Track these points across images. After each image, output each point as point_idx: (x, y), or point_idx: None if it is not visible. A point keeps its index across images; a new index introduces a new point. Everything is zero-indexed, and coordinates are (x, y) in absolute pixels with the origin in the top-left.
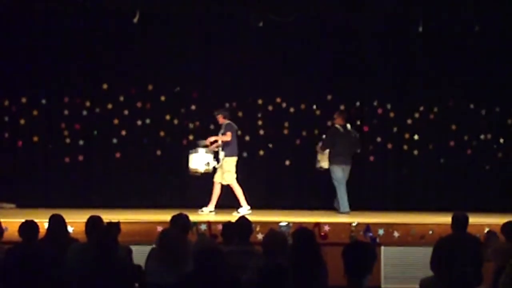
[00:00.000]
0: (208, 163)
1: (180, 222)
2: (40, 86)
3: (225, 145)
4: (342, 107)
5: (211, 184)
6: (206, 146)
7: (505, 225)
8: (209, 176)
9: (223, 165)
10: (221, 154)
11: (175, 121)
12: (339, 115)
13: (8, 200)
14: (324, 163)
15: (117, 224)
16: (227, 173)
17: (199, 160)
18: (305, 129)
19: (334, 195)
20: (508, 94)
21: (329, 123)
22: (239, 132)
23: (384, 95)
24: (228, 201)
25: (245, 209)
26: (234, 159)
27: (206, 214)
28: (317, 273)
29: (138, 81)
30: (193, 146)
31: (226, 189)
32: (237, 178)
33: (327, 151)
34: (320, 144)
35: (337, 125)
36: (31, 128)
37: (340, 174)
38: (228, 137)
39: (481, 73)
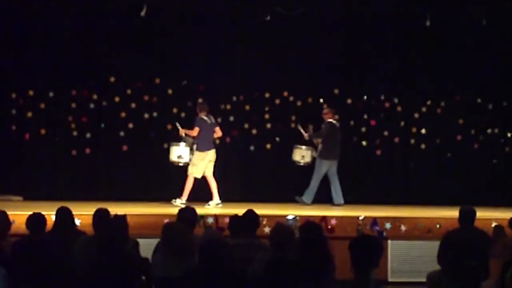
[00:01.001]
0: (180, 155)
1: (187, 216)
2: (48, 79)
3: (196, 139)
4: (349, 101)
5: (215, 177)
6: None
7: None
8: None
9: (192, 158)
10: (194, 147)
11: (182, 114)
12: (330, 111)
13: (15, 192)
14: (301, 157)
15: (123, 217)
16: (191, 165)
17: (175, 153)
18: (312, 123)
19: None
20: None
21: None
22: (246, 126)
23: (391, 89)
24: (235, 195)
25: (179, 202)
26: (201, 154)
27: (213, 207)
28: (324, 267)
29: (145, 74)
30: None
31: (235, 183)
32: (214, 173)
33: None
34: (313, 134)
35: (331, 120)
36: (38, 121)
37: (325, 169)
38: (193, 132)
39: (488, 68)
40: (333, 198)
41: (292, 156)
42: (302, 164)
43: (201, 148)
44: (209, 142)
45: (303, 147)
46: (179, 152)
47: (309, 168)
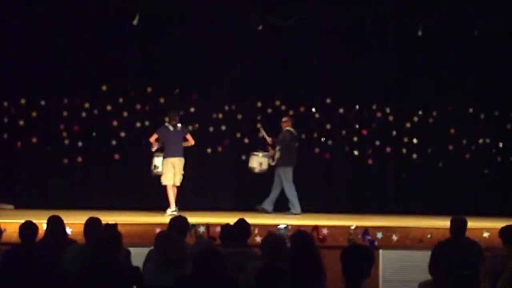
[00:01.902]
0: (155, 165)
1: (178, 224)
2: (39, 87)
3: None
4: (341, 110)
5: (206, 186)
6: None
7: (503, 229)
8: (205, 178)
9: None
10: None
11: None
12: (289, 119)
13: (7, 201)
14: (259, 164)
15: (114, 226)
16: (162, 174)
17: (152, 163)
18: (304, 132)
19: (264, 197)
20: (507, 98)
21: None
22: (238, 135)
23: (383, 98)
24: (226, 204)
25: (170, 211)
26: (165, 161)
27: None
28: (316, 276)
29: (137, 83)
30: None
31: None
32: (183, 180)
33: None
34: (275, 140)
35: (290, 128)
36: (30, 129)
37: (291, 175)
38: (151, 138)
39: (480, 77)
40: (265, 202)
41: (249, 163)
42: (257, 171)
43: (164, 155)
44: (171, 149)
45: (260, 154)
46: (155, 162)
47: (299, 176)
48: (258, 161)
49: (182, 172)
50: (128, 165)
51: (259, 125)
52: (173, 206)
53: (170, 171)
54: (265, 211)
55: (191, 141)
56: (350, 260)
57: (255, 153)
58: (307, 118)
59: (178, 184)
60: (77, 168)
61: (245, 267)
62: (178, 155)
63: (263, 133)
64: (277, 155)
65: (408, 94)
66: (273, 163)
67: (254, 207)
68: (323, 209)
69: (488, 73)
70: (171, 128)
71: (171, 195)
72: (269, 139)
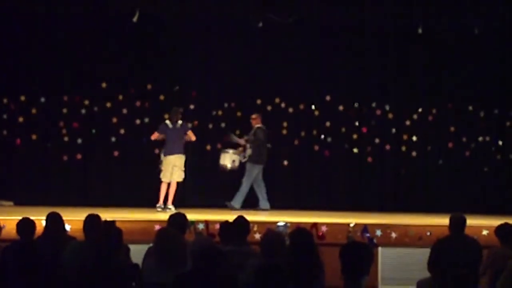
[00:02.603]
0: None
1: (178, 221)
2: (39, 84)
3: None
4: (341, 108)
5: (205, 182)
6: None
7: (499, 227)
8: (204, 176)
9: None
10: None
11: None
12: (259, 116)
13: (6, 197)
14: (232, 161)
15: (112, 223)
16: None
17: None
18: (303, 130)
19: (231, 195)
20: (507, 96)
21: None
22: (238, 132)
23: (383, 96)
24: (226, 201)
25: (170, 207)
26: (165, 159)
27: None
28: (315, 274)
29: (137, 80)
30: None
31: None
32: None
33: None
34: (247, 140)
35: (261, 126)
36: (29, 126)
37: (256, 173)
38: (152, 136)
39: (480, 75)
40: (260, 203)
41: (220, 160)
42: (229, 168)
43: (164, 153)
44: (171, 147)
45: (231, 151)
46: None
47: (299, 173)
48: (230, 159)
49: (183, 168)
50: (127, 162)
51: (231, 136)
52: (160, 202)
53: (168, 168)
54: (233, 208)
55: (192, 137)
56: (349, 258)
57: (227, 150)
58: (306, 115)
59: (179, 180)
60: (76, 165)
61: (245, 265)
62: (178, 152)
63: (234, 139)
64: (248, 152)
65: (408, 92)
66: (244, 160)
67: (225, 204)
68: (322, 206)
69: (488, 71)
70: (170, 125)
71: (163, 191)
72: (242, 141)
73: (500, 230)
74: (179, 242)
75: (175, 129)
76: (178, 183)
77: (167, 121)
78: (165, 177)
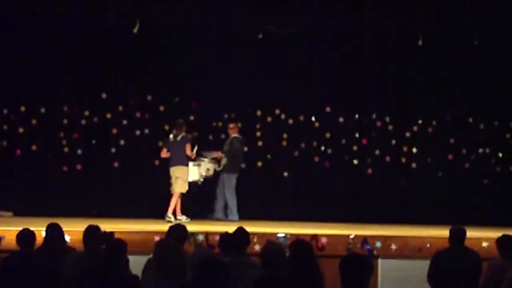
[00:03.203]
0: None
1: (177, 233)
2: (39, 95)
3: None
4: (341, 120)
5: (204, 194)
6: None
7: (500, 239)
8: (205, 187)
9: None
10: None
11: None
12: (235, 126)
13: (6, 208)
14: (206, 170)
15: (111, 234)
16: None
17: None
18: (303, 141)
19: (212, 205)
20: (507, 108)
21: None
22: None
23: (383, 108)
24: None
25: (173, 218)
26: (170, 170)
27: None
28: (314, 285)
29: (137, 91)
30: None
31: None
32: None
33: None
34: (227, 150)
35: (237, 135)
36: (29, 136)
37: (235, 183)
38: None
39: (479, 87)
40: (227, 212)
41: (190, 176)
42: (204, 177)
43: (169, 165)
44: (173, 159)
45: (206, 159)
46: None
47: (299, 184)
48: (205, 167)
49: (186, 180)
50: (127, 173)
51: (204, 155)
52: (177, 215)
53: (173, 180)
54: (229, 220)
55: (187, 151)
56: (349, 269)
57: (202, 158)
58: (306, 126)
59: (182, 191)
60: (76, 176)
61: (244, 276)
62: (179, 164)
63: (208, 156)
64: (224, 161)
65: (408, 104)
66: (219, 169)
67: (206, 216)
68: (322, 218)
69: (488, 83)
70: (172, 138)
71: (172, 202)
72: (217, 154)
73: (500, 242)
74: (179, 253)
75: (175, 142)
76: (182, 194)
77: (170, 135)
78: (171, 188)
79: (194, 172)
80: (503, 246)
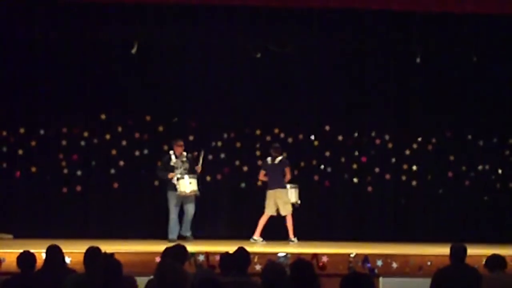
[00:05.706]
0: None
1: (177, 253)
2: (38, 116)
3: None
4: (340, 138)
5: (205, 214)
6: None
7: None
8: (204, 207)
9: None
10: None
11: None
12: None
13: (6, 230)
14: (189, 183)
15: (111, 255)
16: None
17: None
18: (303, 160)
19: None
20: (506, 125)
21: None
22: (237, 163)
23: (382, 125)
24: (226, 232)
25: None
26: None
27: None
28: None
29: (136, 111)
30: None
31: (226, 220)
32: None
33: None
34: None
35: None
36: (29, 158)
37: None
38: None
39: (479, 104)
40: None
41: (180, 187)
42: (188, 193)
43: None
44: (270, 182)
45: (186, 176)
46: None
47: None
48: (188, 181)
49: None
50: (127, 194)
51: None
52: (291, 236)
53: (271, 202)
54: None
55: (288, 175)
56: None
57: (182, 176)
58: (306, 145)
59: (289, 213)
60: (76, 197)
61: None
62: (279, 187)
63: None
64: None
65: (407, 121)
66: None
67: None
68: (323, 237)
69: (487, 100)
70: (269, 161)
71: (289, 224)
72: (199, 168)
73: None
74: (180, 274)
75: (273, 165)
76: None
77: (268, 158)
78: (267, 210)
79: (291, 194)
80: (489, 265)
